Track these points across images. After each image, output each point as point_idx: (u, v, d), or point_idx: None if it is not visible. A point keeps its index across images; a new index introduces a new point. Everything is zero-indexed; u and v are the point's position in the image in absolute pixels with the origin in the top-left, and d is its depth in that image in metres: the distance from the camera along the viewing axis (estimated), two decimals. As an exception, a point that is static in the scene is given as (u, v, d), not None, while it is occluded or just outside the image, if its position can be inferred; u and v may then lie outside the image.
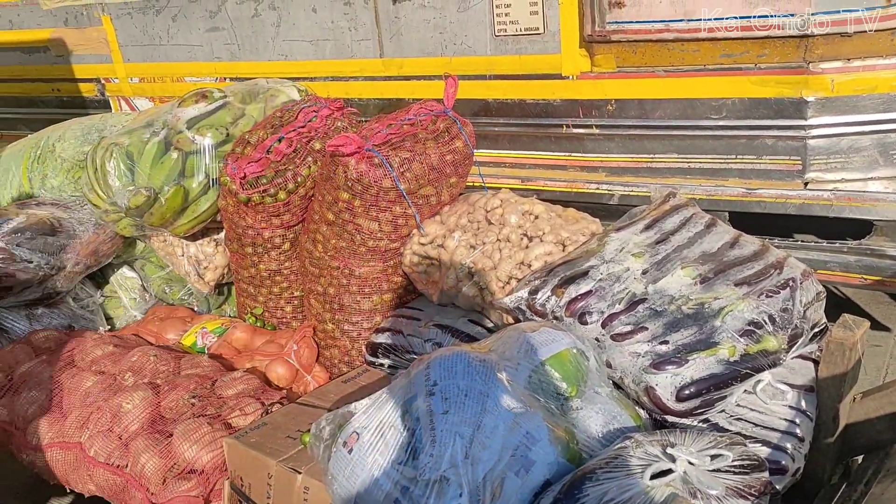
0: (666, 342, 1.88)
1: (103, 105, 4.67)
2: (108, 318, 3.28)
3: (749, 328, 1.90)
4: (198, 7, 4.05)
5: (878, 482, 2.01)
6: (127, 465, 2.23)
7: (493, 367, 1.67)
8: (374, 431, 1.67)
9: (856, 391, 2.18)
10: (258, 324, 2.95)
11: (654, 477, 1.56)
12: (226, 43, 4.06)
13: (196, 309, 3.24)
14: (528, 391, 1.70)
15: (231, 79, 4.07)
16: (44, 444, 2.41)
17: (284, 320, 2.94)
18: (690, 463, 1.60)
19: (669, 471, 1.59)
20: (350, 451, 1.68)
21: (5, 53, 4.89)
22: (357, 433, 1.69)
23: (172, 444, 2.20)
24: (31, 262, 2.82)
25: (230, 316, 3.22)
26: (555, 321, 2.01)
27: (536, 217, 2.39)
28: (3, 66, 4.95)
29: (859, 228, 2.93)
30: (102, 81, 4.62)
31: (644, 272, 2.03)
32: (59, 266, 2.92)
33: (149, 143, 2.79)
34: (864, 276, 2.92)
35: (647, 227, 2.18)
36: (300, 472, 1.97)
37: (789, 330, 1.95)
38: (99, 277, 3.35)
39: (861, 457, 2.18)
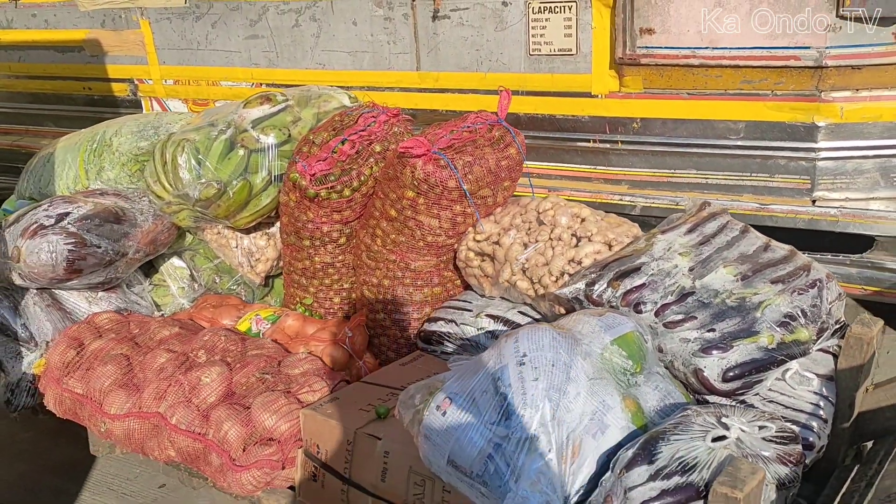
0: (713, 330, 2.13)
1: (134, 105, 4.85)
2: (156, 305, 3.45)
3: (785, 320, 2.16)
4: (239, 15, 4.26)
5: (891, 461, 2.27)
6: (209, 433, 2.42)
7: (573, 341, 1.91)
8: (466, 397, 1.89)
9: (867, 383, 2.45)
10: (307, 313, 3.15)
11: (714, 441, 1.80)
12: (264, 50, 4.27)
13: (243, 297, 3.43)
14: (600, 365, 1.93)
15: (267, 85, 4.28)
16: (122, 414, 2.59)
17: (332, 311, 3.15)
18: (742, 430, 1.85)
19: (724, 437, 1.84)
20: (444, 414, 1.89)
21: (39, 52, 5.05)
22: (450, 398, 1.91)
23: (252, 414, 2.40)
24: (100, 248, 3.00)
25: (274, 305, 3.42)
26: (611, 309, 2.26)
27: (584, 220, 2.63)
28: (37, 64, 5.11)
29: (861, 243, 3.22)
30: (136, 82, 4.80)
31: (690, 269, 2.28)
32: (122, 252, 3.10)
33: (216, 140, 3.00)
34: (865, 287, 3.22)
35: (690, 231, 2.44)
36: (380, 439, 2.19)
37: (818, 323, 2.22)
38: (147, 267, 3.53)
39: (871, 441, 2.45)
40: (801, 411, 2.21)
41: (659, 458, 1.73)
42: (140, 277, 3.44)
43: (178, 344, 2.79)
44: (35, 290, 3.10)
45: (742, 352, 2.11)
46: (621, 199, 3.54)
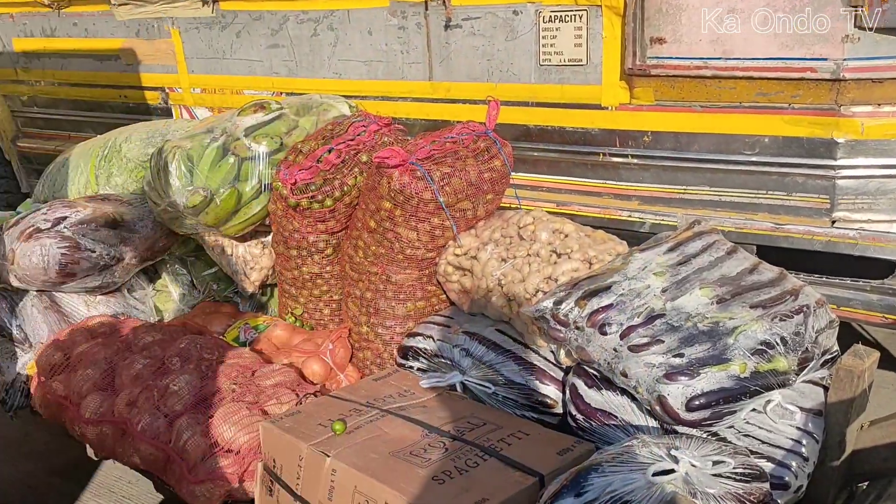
0: (680, 355, 1.99)
1: (165, 112, 4.92)
2: (158, 310, 3.47)
3: (760, 347, 2.00)
4: (261, 25, 4.28)
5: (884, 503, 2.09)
6: (171, 441, 2.40)
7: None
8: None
9: (863, 420, 2.26)
10: (297, 323, 3.12)
11: (656, 474, 1.67)
12: (284, 59, 4.28)
13: (240, 306, 3.42)
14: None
15: (287, 93, 4.29)
16: (95, 419, 2.60)
17: (322, 322, 3.11)
18: (693, 465, 1.71)
19: (672, 471, 1.71)
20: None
21: (80, 60, 5.18)
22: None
23: (213, 425, 2.36)
24: (94, 252, 3.03)
25: (271, 315, 3.40)
26: (576, 331, 2.14)
27: (566, 235, 2.52)
28: (77, 72, 5.25)
29: (883, 268, 3.00)
30: (167, 90, 4.87)
31: (664, 290, 2.15)
32: (118, 257, 3.13)
33: (208, 147, 3.00)
34: (886, 315, 2.99)
35: (671, 250, 2.30)
36: (329, 456, 2.12)
37: (800, 352, 2.05)
38: (151, 272, 3.56)
39: (865, 483, 2.26)
40: (779, 447, 2.05)
41: (588, 491, 1.62)
42: (143, 282, 3.47)
43: (160, 350, 2.79)
44: (34, 293, 3.15)
45: (710, 380, 1.96)
46: (630, 216, 3.39)
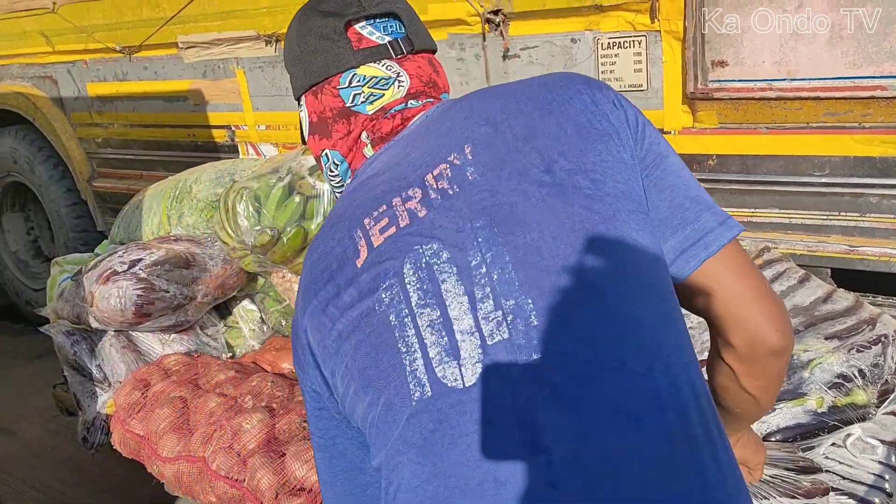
0: (753, 391, 1.94)
1: (232, 149, 5.06)
2: (229, 347, 3.55)
3: (838, 381, 1.95)
4: (322, 62, 4.38)
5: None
6: (244, 480, 2.44)
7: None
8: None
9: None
10: (365, 358, 3.14)
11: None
12: (346, 95, 4.36)
13: (309, 341, 3.47)
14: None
15: (349, 128, 4.36)
16: (172, 457, 2.66)
17: (389, 355, 3.13)
18: (771, 507, 1.67)
19: None
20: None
21: (151, 102, 5.38)
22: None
23: (285, 463, 2.40)
24: (168, 292, 3.13)
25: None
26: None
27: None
28: (148, 113, 5.45)
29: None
30: (233, 128, 5.01)
31: (734, 323, 2.10)
32: (191, 297, 3.22)
33: (274, 187, 3.07)
34: (972, 339, 2.87)
35: (740, 280, 2.25)
36: (400, 495, 2.13)
37: (879, 384, 1.99)
38: (223, 309, 3.65)
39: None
40: (861, 483, 1.97)
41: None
42: (214, 319, 3.55)
43: (232, 388, 2.85)
44: (112, 333, 3.26)
45: (785, 415, 1.92)
46: (697, 241, 3.33)
